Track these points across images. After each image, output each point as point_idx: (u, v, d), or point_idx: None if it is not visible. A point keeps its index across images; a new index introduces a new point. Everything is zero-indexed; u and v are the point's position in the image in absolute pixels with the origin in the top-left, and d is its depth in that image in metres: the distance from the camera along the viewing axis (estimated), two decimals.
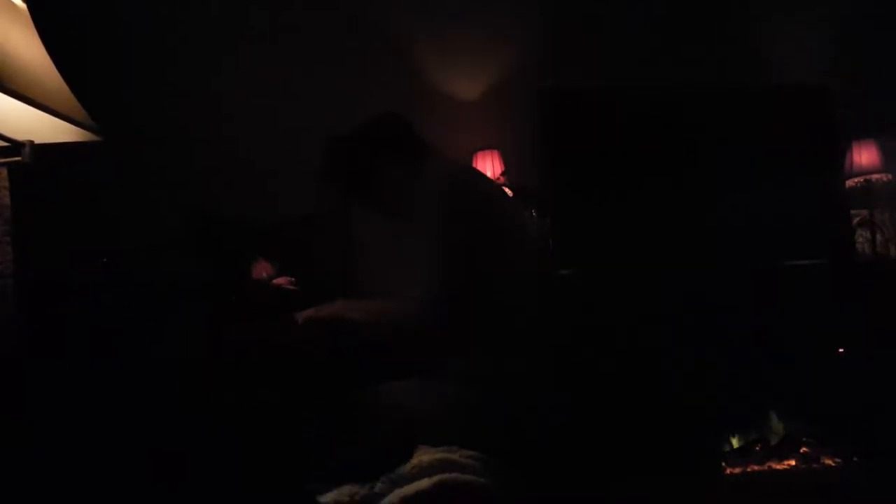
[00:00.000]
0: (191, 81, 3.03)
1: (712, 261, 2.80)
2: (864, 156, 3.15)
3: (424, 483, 1.32)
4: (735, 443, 2.03)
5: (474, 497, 1.34)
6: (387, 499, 1.27)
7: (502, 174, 3.04)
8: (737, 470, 1.96)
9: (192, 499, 1.12)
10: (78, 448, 1.14)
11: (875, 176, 3.12)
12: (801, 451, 1.98)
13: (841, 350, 2.49)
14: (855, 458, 1.96)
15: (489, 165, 3.06)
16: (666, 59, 3.25)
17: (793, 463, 1.95)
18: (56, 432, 1.16)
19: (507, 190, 2.91)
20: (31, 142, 1.37)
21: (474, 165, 3.02)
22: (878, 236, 3.12)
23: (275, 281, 2.49)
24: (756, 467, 1.95)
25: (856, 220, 3.17)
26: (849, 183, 3.15)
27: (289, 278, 2.47)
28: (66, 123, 1.37)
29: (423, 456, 1.42)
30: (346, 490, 1.27)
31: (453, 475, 1.37)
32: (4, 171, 1.41)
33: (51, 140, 1.43)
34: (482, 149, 3.10)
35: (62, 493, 1.11)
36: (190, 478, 1.13)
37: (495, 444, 1.48)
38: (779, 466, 1.95)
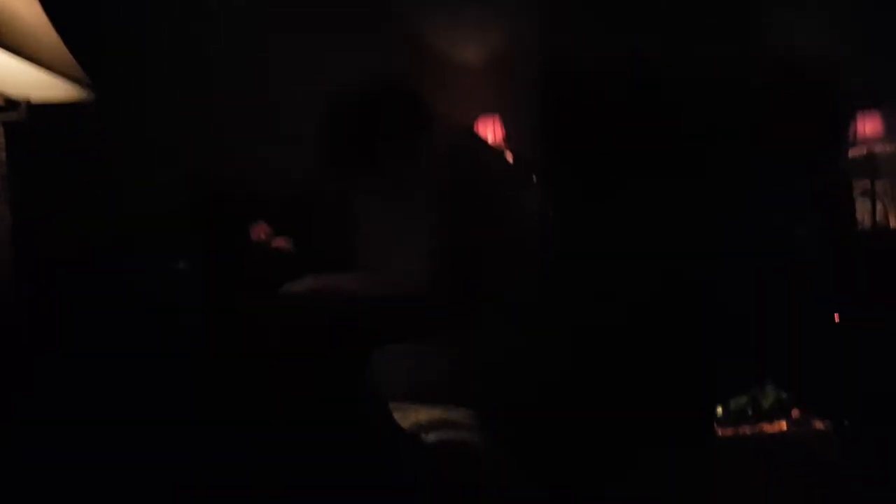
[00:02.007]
0: (190, 45, 3.00)
1: (711, 233, 2.80)
2: (868, 126, 3.13)
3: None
4: (728, 406, 2.05)
5: (470, 455, 1.36)
6: None
7: (503, 140, 3.03)
8: (728, 432, 1.99)
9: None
10: (76, 420, 1.15)
11: (878, 146, 3.10)
12: (793, 414, 2.00)
13: (837, 317, 2.51)
14: (846, 423, 1.99)
15: (490, 132, 3.04)
16: (668, 26, 3.22)
17: (784, 426, 1.98)
18: (56, 402, 1.17)
19: (508, 156, 2.90)
20: (27, 100, 1.37)
21: (476, 131, 3.00)
22: (879, 207, 3.11)
23: (274, 243, 2.49)
24: (747, 430, 1.98)
25: (857, 190, 3.17)
26: (852, 153, 3.13)
27: (288, 240, 2.47)
28: (62, 82, 1.36)
29: (421, 415, 1.44)
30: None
31: (449, 433, 1.39)
32: (0, 129, 1.41)
33: (47, 99, 1.42)
34: (483, 115, 3.08)
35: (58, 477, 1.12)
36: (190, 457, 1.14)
37: (491, 405, 1.50)
38: (770, 429, 1.98)
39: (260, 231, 2.46)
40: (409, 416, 1.44)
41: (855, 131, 3.13)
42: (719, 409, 2.04)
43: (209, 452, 1.16)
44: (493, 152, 2.06)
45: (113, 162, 2.65)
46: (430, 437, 1.39)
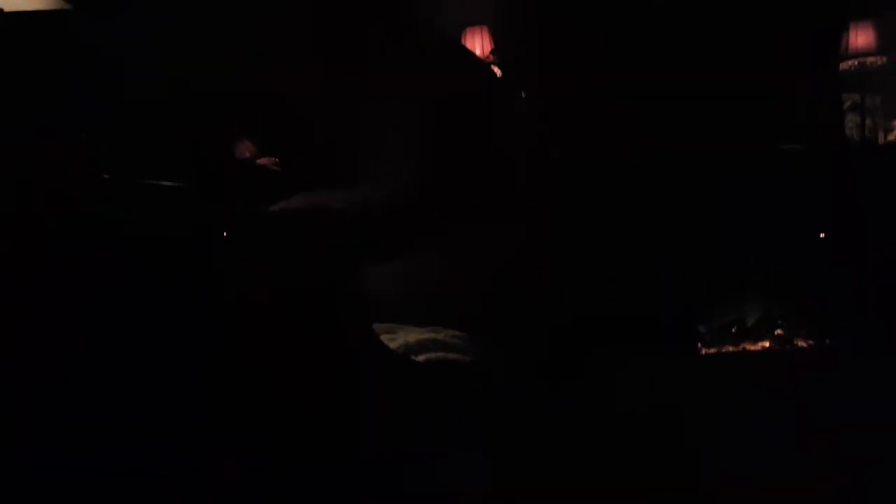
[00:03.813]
0: None
1: (702, 143, 2.79)
2: (860, 37, 3.08)
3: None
4: (712, 325, 2.09)
5: (460, 375, 1.38)
6: None
7: (492, 52, 2.97)
8: (712, 350, 2.03)
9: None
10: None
11: (870, 59, 3.06)
12: (776, 333, 2.04)
13: (822, 235, 2.53)
14: (827, 341, 2.03)
15: (478, 43, 2.98)
16: None
17: (767, 344, 2.02)
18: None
19: (495, 69, 2.85)
20: (1, 9, 1.31)
21: (463, 42, 2.94)
22: (868, 121, 3.10)
23: (258, 161, 2.45)
24: (731, 348, 2.02)
25: (846, 104, 3.14)
26: (842, 65, 3.09)
27: (272, 159, 2.43)
28: None
29: (410, 336, 1.45)
30: None
31: (439, 354, 1.40)
32: None
33: (23, 7, 1.37)
34: (471, 25, 3.01)
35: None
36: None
37: (480, 324, 1.51)
38: (753, 348, 2.02)
39: (244, 149, 2.41)
40: (398, 337, 1.44)
41: (846, 44, 3.09)
42: (703, 327, 2.08)
43: (192, 373, 1.17)
44: (482, 65, 2.01)
45: (91, 74, 2.56)
46: (420, 358, 1.40)
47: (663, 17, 2.90)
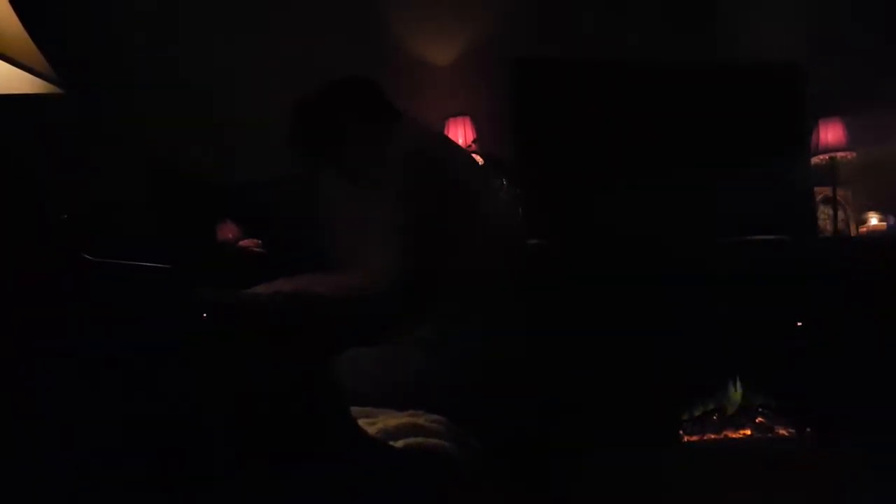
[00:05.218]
0: (156, 39, 2.96)
1: (678, 234, 2.83)
2: (831, 134, 3.19)
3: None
4: (693, 412, 2.08)
5: (439, 461, 1.35)
6: None
7: (473, 142, 3.03)
8: (694, 438, 2.01)
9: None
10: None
11: (840, 154, 3.17)
12: (757, 421, 2.03)
13: (799, 324, 2.55)
14: (808, 430, 2.03)
15: (460, 133, 3.04)
16: (637, 34, 3.25)
17: (748, 432, 2.01)
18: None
19: (477, 158, 2.90)
20: None
21: (445, 132, 3.00)
22: (840, 214, 3.17)
23: (241, 243, 2.46)
24: (712, 436, 2.00)
25: (819, 197, 3.23)
26: (814, 160, 3.19)
27: (255, 241, 2.44)
28: (27, 74, 1.33)
29: (389, 420, 1.42)
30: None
31: (418, 439, 1.37)
32: None
33: (10, 91, 1.39)
34: (454, 115, 3.07)
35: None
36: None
37: (460, 410, 1.50)
38: (734, 435, 2.01)
39: (227, 231, 2.42)
40: (377, 422, 1.42)
41: (817, 139, 3.19)
42: (685, 416, 2.07)
43: (162, 459, 1.14)
44: (463, 154, 2.05)
45: (75, 158, 2.60)
46: (399, 443, 1.37)
47: (638, 112, 2.99)
